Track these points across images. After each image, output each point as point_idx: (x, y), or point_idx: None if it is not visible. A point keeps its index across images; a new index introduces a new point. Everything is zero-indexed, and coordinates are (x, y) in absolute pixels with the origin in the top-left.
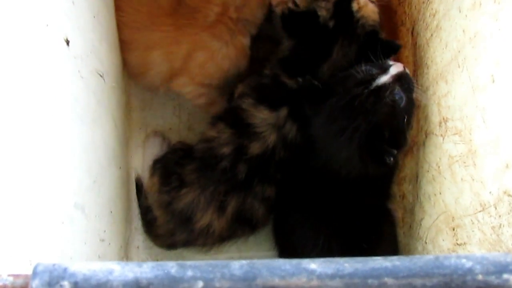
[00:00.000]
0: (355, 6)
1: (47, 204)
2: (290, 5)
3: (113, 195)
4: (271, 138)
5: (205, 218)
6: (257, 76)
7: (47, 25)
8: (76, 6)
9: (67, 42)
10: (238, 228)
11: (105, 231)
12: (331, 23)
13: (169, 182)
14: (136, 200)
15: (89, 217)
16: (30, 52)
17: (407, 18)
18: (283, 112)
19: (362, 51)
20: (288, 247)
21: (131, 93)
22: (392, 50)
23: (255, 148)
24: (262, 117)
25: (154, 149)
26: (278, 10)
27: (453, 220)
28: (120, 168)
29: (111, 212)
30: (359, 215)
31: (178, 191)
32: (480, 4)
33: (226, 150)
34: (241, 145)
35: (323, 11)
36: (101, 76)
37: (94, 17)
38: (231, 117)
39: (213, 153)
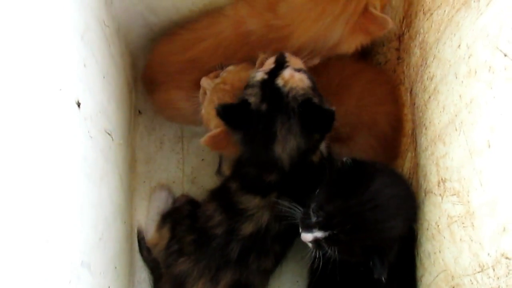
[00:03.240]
0: (280, 82)
1: (55, 264)
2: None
3: (118, 250)
4: (264, 218)
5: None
6: (238, 163)
7: (61, 89)
8: (87, 68)
9: (78, 105)
10: None
11: (109, 287)
12: (263, 107)
13: (171, 245)
14: (138, 252)
15: (95, 274)
16: (44, 117)
17: (405, 78)
18: (273, 195)
19: (303, 121)
20: None
21: (135, 147)
22: (326, 119)
23: (247, 228)
24: (253, 204)
25: (160, 203)
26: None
27: (452, 279)
28: (124, 222)
29: (116, 267)
30: None
31: (177, 259)
32: (476, 72)
33: (218, 231)
34: (232, 227)
35: (252, 97)
36: (109, 134)
37: (103, 77)
38: (224, 199)
39: (208, 230)
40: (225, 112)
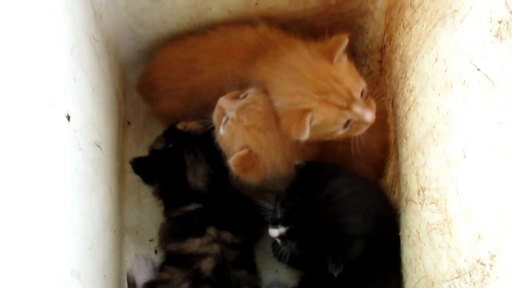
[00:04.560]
0: (180, 126)
1: (46, 273)
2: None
3: (107, 259)
4: (215, 248)
5: None
6: (169, 222)
7: (51, 104)
8: (77, 82)
9: (68, 118)
10: None
11: None
12: (169, 146)
13: None
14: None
15: (85, 283)
16: (34, 131)
17: (387, 89)
18: (212, 230)
19: (206, 150)
20: None
21: (125, 158)
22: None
23: (206, 265)
24: (198, 245)
25: (142, 273)
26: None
27: (432, 285)
28: (114, 232)
29: (105, 276)
30: None
31: None
32: (451, 85)
33: (185, 286)
34: (195, 273)
35: (158, 143)
36: (98, 146)
37: (93, 90)
38: (171, 259)
39: None
40: (141, 165)
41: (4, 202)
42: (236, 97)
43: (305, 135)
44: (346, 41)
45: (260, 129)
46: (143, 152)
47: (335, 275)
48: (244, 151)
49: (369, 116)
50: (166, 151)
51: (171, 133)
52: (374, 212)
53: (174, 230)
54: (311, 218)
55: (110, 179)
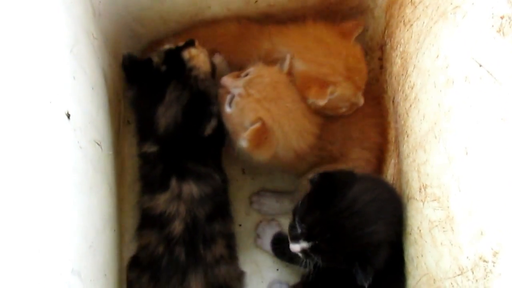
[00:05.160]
0: (186, 55)
1: (46, 272)
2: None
3: (108, 258)
4: (181, 208)
5: None
6: (139, 172)
7: (51, 102)
8: (76, 80)
9: (68, 116)
10: None
11: None
12: (163, 68)
13: None
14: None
15: (85, 282)
16: (35, 129)
17: (388, 87)
18: (173, 182)
19: (191, 102)
20: None
21: (124, 156)
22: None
23: (176, 226)
24: (163, 201)
25: None
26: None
27: (434, 282)
28: (114, 230)
29: (105, 275)
30: None
31: None
32: (453, 81)
33: (161, 249)
34: (166, 236)
35: (156, 57)
36: (98, 144)
37: (92, 88)
38: (146, 220)
39: (154, 257)
40: (130, 63)
41: (5, 201)
42: (238, 76)
43: (323, 102)
44: (362, 27)
45: (272, 100)
46: None
47: (366, 286)
48: (258, 124)
49: (362, 101)
50: (155, 69)
51: (173, 57)
52: (395, 216)
53: (143, 178)
54: (334, 231)
55: (110, 178)
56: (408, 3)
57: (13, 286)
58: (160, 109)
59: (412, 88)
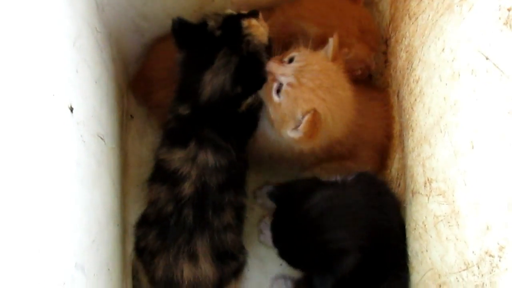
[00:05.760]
0: (245, 23)
1: (49, 266)
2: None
3: (111, 253)
4: (193, 171)
5: (186, 273)
6: (164, 125)
7: (54, 95)
8: (79, 74)
9: (71, 109)
10: (223, 267)
11: None
12: (217, 32)
13: (144, 256)
14: (131, 256)
15: (88, 276)
16: (38, 122)
17: (392, 81)
18: (192, 144)
19: (241, 66)
20: None
21: (128, 151)
22: (256, 81)
23: (186, 188)
24: (178, 158)
25: None
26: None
27: (439, 277)
28: (117, 225)
29: (109, 269)
30: None
31: (152, 264)
32: (459, 74)
33: (169, 208)
34: (176, 195)
35: (212, 21)
36: (101, 138)
37: (95, 82)
38: (159, 173)
39: (162, 215)
40: (181, 27)
41: (8, 196)
42: (281, 61)
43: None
44: None
45: (326, 89)
46: (146, 145)
47: None
48: (310, 115)
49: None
50: (209, 33)
51: (231, 23)
52: (368, 224)
53: (167, 131)
54: (293, 238)
55: (113, 173)
56: None
57: (18, 281)
58: (207, 76)
59: (417, 82)
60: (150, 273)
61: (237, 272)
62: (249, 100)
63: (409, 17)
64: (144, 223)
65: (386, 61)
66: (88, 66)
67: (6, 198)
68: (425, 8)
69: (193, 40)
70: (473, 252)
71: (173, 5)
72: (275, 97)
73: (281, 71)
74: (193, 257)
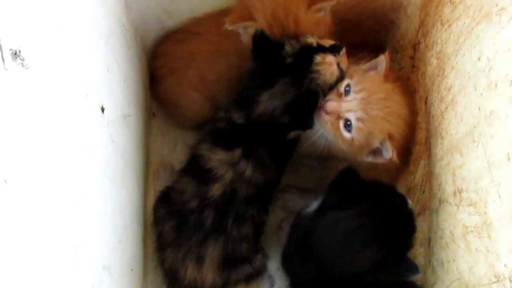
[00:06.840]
0: (318, 58)
1: (80, 268)
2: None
3: (134, 253)
4: (228, 175)
5: (188, 273)
6: (212, 121)
7: (87, 95)
8: (110, 73)
9: (102, 110)
10: (231, 273)
11: None
12: (288, 60)
13: (157, 240)
14: (151, 254)
15: (114, 277)
16: (71, 123)
17: (420, 87)
18: (237, 151)
19: (295, 101)
20: None
21: (149, 149)
22: (303, 122)
23: (215, 189)
24: (218, 158)
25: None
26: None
27: None
28: (141, 225)
29: (132, 270)
30: None
31: (163, 253)
32: (496, 85)
33: (193, 204)
34: (203, 193)
35: (289, 46)
36: (129, 138)
37: (124, 81)
38: (193, 167)
39: (184, 208)
40: (261, 40)
41: (42, 196)
42: (339, 96)
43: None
44: None
45: (394, 113)
46: (167, 144)
47: None
48: (391, 140)
49: None
50: (282, 58)
51: (305, 55)
52: (366, 248)
53: (213, 129)
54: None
55: (138, 172)
56: (447, 3)
57: (51, 283)
58: (264, 96)
59: (449, 90)
60: (161, 257)
61: (250, 277)
62: (297, 132)
63: (441, 23)
64: (165, 203)
65: (413, 66)
66: (117, 65)
67: (41, 199)
68: (460, 15)
69: (266, 57)
70: (505, 265)
71: (200, 4)
72: (346, 134)
73: (345, 108)
74: (199, 260)
